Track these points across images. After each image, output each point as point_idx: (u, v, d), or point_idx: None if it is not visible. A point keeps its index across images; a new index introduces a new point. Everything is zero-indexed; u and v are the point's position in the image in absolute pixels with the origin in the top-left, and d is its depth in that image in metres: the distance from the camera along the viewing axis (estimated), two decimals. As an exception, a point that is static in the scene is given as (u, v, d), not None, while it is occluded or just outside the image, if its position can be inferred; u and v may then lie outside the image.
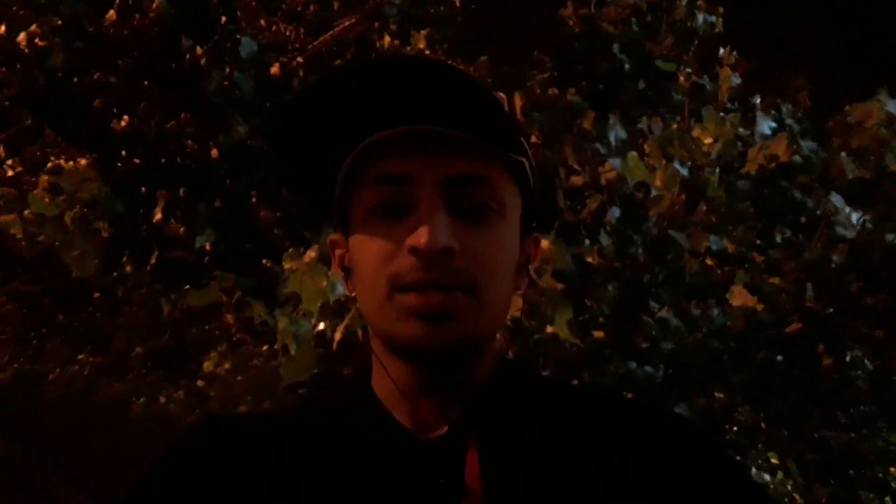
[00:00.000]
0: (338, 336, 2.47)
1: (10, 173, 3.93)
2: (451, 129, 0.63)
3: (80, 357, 4.28)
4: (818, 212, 3.53)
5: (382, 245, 0.64)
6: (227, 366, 3.75)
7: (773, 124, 4.33)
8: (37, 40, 3.35)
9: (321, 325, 2.69)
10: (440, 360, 0.64)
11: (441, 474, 0.63)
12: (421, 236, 0.61)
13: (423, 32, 5.97)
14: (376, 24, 5.90)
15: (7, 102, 3.68)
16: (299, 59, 5.13)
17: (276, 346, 2.76)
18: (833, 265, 3.13)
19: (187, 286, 3.28)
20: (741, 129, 4.27)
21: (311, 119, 0.67)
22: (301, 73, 5.08)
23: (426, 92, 0.63)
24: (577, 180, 3.88)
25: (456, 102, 0.64)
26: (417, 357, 0.64)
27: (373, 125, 0.65)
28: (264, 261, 3.07)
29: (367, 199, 0.65)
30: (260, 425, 0.70)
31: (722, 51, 4.97)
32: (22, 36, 3.38)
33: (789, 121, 4.45)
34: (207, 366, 3.80)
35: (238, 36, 4.20)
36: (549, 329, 2.93)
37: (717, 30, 5.64)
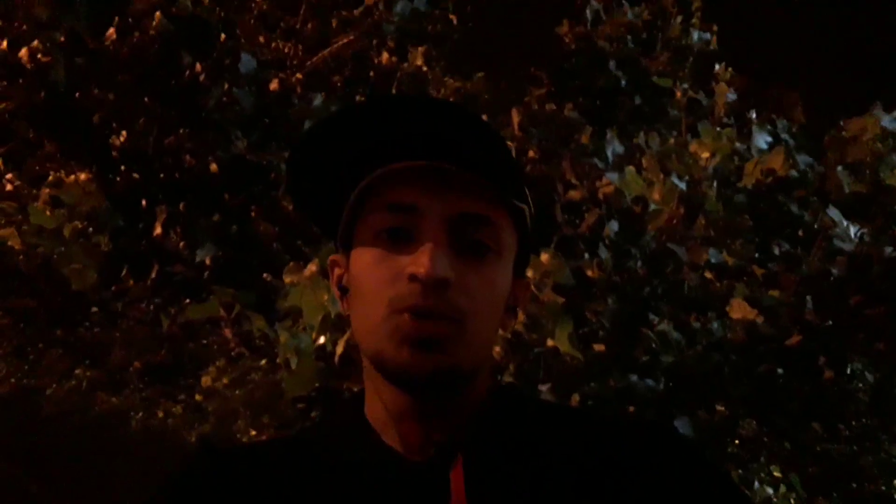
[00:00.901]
0: (339, 350, 2.47)
1: (9, 187, 3.93)
2: (462, 168, 0.66)
3: (77, 371, 4.25)
4: (816, 225, 3.55)
5: (384, 269, 0.66)
6: (225, 380, 3.72)
7: (769, 139, 4.37)
8: (39, 55, 3.37)
9: (321, 339, 2.69)
10: (427, 386, 0.66)
11: (427, 495, 0.65)
12: (421, 265, 0.64)
13: (420, 49, 6.02)
14: (374, 41, 5.96)
15: (7, 116, 3.69)
16: (298, 76, 5.16)
17: (277, 361, 2.76)
18: (832, 278, 3.14)
19: (187, 300, 3.27)
20: (737, 144, 4.30)
21: (328, 144, 0.70)
22: (299, 90, 5.12)
23: (441, 130, 0.66)
24: (574, 194, 3.90)
25: (469, 143, 0.67)
26: (405, 382, 0.66)
27: (387, 156, 0.68)
28: (265, 275, 3.07)
29: (374, 224, 0.68)
30: (254, 454, 0.72)
31: (717, 67, 5.03)
32: (24, 51, 3.40)
33: (785, 135, 4.48)
34: (206, 380, 3.78)
35: (238, 52, 4.23)
36: (550, 342, 2.93)
37: (711, 47, 5.72)
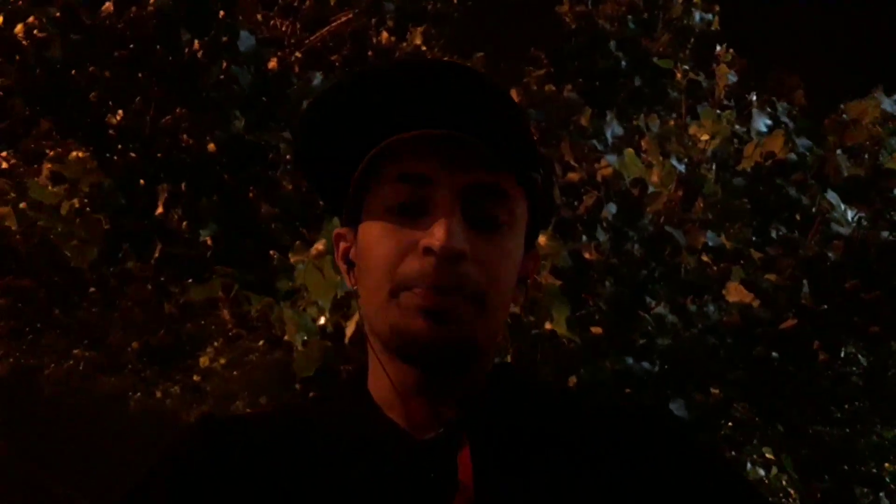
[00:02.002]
0: (349, 330, 2.48)
1: (4, 165, 3.91)
2: (475, 137, 0.64)
3: (75, 352, 4.25)
4: (814, 209, 3.55)
5: (395, 242, 0.65)
6: (223, 361, 3.74)
7: (769, 122, 4.35)
8: (35, 31, 3.32)
9: (322, 320, 2.69)
10: (441, 360, 0.64)
11: (434, 473, 0.64)
12: (436, 238, 0.62)
13: (419, 28, 5.96)
14: (373, 20, 5.89)
15: (2, 93, 3.65)
16: (297, 54, 5.11)
17: (286, 338, 2.76)
18: (829, 262, 3.15)
19: (189, 280, 3.27)
20: (737, 127, 4.29)
21: (337, 113, 0.68)
22: (297, 69, 5.06)
23: (453, 97, 0.64)
24: (573, 176, 3.89)
25: (482, 111, 0.65)
26: (417, 354, 0.64)
27: (396, 125, 0.66)
28: (271, 252, 3.06)
29: (384, 196, 0.66)
30: (256, 426, 0.71)
31: (718, 48, 5.00)
32: (19, 27, 3.35)
33: (785, 118, 4.47)
34: (203, 361, 3.79)
35: (236, 30, 4.18)
36: (548, 325, 2.94)
37: (713, 27, 5.67)
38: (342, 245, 0.73)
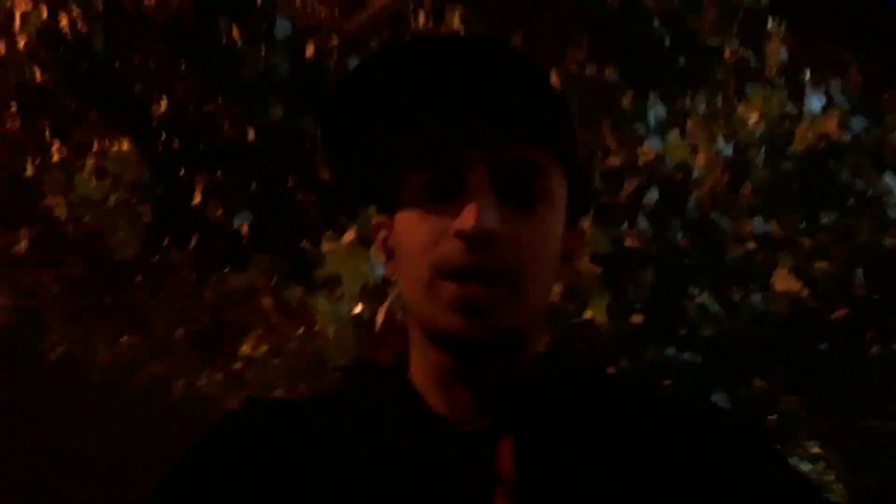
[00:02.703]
0: (380, 318, 2.50)
1: (55, 157, 4.03)
2: (506, 113, 0.62)
3: (123, 339, 4.39)
4: (869, 193, 3.41)
5: (429, 227, 0.63)
6: (264, 349, 3.81)
7: (823, 101, 4.18)
8: (79, 24, 3.40)
9: (358, 308, 2.72)
10: (478, 353, 0.63)
11: (475, 463, 0.63)
12: (467, 220, 0.61)
13: (457, 10, 5.90)
14: (411, 4, 5.85)
15: (52, 86, 3.76)
16: (334, 42, 5.11)
17: (316, 328, 2.80)
18: (884, 249, 3.03)
19: (227, 269, 3.33)
20: (789, 107, 4.14)
21: (361, 97, 0.66)
22: (335, 56, 5.07)
23: (482, 73, 0.62)
24: (614, 161, 3.82)
25: (512, 85, 0.63)
26: (456, 348, 0.64)
27: (426, 105, 0.64)
28: (303, 242, 3.09)
29: (416, 180, 0.65)
30: (298, 410, 0.71)
31: (769, 24, 4.80)
32: (64, 20, 3.43)
33: (839, 97, 4.29)
34: (245, 349, 3.87)
35: (274, 17, 4.20)
36: (587, 313, 2.91)
37: (763, 2, 5.46)
38: (381, 234, 0.72)
